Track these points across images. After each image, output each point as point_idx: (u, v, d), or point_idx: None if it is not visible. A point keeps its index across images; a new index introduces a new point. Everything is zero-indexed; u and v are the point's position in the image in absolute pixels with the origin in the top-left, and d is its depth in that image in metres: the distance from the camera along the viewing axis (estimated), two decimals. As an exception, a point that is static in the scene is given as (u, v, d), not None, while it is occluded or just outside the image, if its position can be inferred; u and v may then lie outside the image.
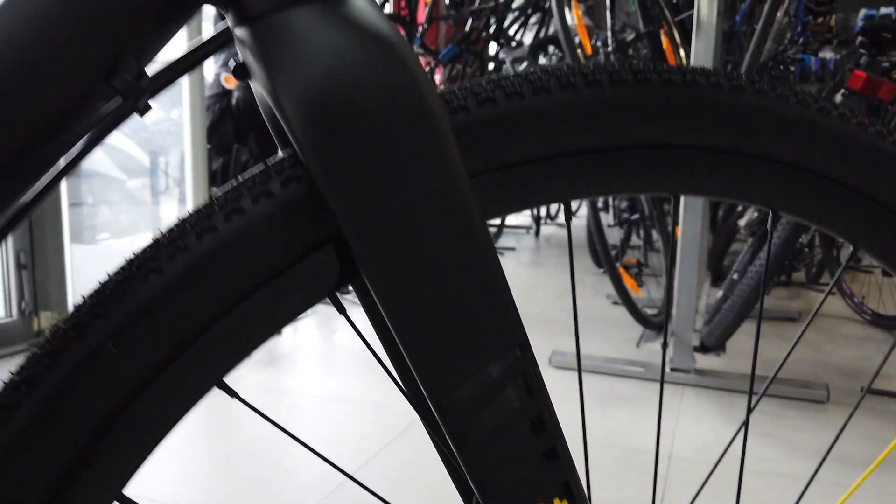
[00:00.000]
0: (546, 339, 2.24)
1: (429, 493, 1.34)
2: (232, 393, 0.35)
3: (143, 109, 0.31)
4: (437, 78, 3.77)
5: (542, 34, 3.97)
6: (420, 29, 3.53)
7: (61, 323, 0.32)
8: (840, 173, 0.38)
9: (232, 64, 0.35)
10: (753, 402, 0.45)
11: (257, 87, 0.34)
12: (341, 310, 0.36)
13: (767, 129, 0.37)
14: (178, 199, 2.66)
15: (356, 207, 0.32)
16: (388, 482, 1.40)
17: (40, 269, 2.35)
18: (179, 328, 0.32)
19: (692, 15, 1.89)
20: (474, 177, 0.35)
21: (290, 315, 0.34)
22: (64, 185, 2.30)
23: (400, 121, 0.31)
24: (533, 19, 4.08)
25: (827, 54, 2.74)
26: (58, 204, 2.28)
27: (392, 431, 1.60)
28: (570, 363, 2.10)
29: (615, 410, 1.79)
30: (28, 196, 0.32)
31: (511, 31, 4.03)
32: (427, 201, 0.32)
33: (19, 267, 2.31)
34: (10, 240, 2.30)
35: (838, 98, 1.87)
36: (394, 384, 0.40)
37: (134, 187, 3.00)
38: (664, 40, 2.27)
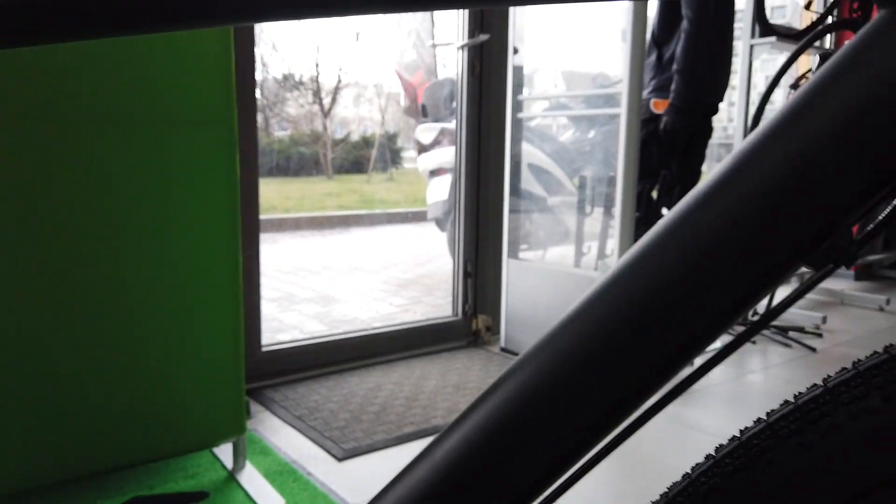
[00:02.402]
0: None
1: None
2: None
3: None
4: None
5: None
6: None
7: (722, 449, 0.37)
8: None
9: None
10: None
11: None
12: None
13: None
14: (593, 216, 2.79)
15: None
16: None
17: (481, 278, 2.72)
18: None
19: None
20: None
21: None
22: (506, 208, 2.58)
23: None
24: None
25: None
26: (500, 222, 2.59)
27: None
28: None
29: None
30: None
31: None
32: None
33: (466, 275, 2.70)
34: (460, 250, 2.70)
35: None
36: None
37: (552, 204, 3.27)
38: None
